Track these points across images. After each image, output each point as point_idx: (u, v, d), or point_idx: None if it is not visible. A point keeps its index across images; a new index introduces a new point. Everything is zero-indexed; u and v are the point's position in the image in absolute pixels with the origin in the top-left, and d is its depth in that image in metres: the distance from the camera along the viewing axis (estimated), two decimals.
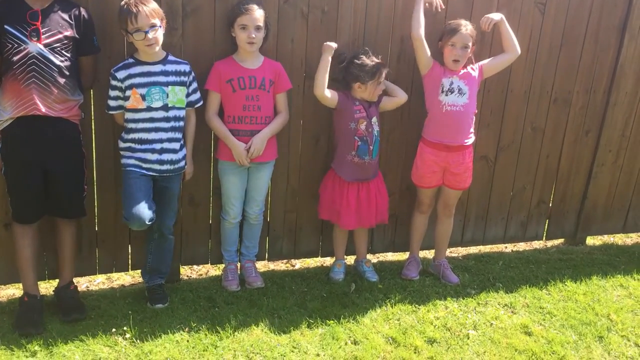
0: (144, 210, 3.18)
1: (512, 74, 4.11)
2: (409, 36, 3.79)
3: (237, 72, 3.41)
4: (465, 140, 3.78)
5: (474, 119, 3.84)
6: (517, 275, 4.16)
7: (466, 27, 3.63)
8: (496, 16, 3.74)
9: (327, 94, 3.58)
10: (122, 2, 3.08)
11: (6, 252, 3.36)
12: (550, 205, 4.64)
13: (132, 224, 3.22)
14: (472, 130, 3.82)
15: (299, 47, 3.64)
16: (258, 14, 3.32)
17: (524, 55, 4.07)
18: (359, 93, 3.65)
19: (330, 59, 3.56)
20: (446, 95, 3.69)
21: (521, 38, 4.01)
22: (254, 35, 3.32)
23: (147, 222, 3.20)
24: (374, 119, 3.69)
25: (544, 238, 4.75)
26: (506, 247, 4.72)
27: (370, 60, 3.58)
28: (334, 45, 3.55)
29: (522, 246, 4.75)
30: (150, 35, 3.06)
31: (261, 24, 3.34)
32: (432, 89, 3.73)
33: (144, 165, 3.24)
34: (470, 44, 3.64)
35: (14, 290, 3.56)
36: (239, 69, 3.42)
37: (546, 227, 4.71)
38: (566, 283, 4.08)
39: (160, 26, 3.11)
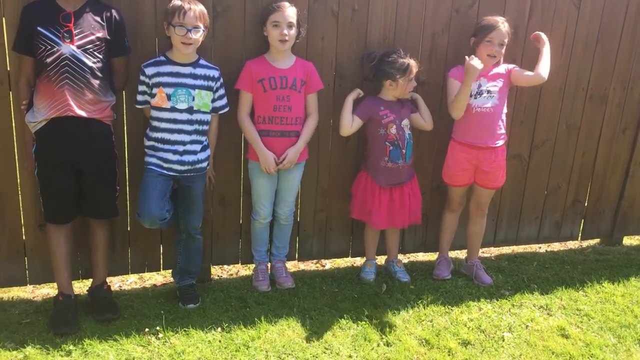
0: (155, 209, 3.19)
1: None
2: (440, 33, 3.75)
3: (269, 72, 3.40)
4: (496, 142, 3.71)
5: (506, 119, 3.76)
6: (552, 276, 4.07)
7: (504, 24, 3.58)
8: (545, 38, 3.70)
9: (353, 129, 3.61)
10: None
11: (41, 253, 3.40)
12: (586, 204, 4.54)
13: (144, 222, 3.24)
14: (503, 131, 3.74)
15: (329, 46, 3.62)
16: (290, 11, 3.31)
17: (559, 51, 4.00)
18: (390, 91, 3.61)
19: (352, 99, 3.58)
20: (475, 98, 3.62)
21: (556, 33, 3.95)
22: (286, 32, 3.30)
23: (157, 221, 3.21)
24: (405, 122, 3.65)
25: (579, 238, 4.65)
26: (540, 248, 4.63)
27: (400, 58, 3.54)
28: (359, 91, 3.59)
29: (556, 246, 4.66)
30: (191, 34, 3.08)
31: (294, 21, 3.33)
32: None
33: (165, 165, 3.25)
34: (506, 42, 3.59)
35: (49, 290, 3.60)
36: (271, 69, 3.41)
37: (582, 226, 4.61)
38: (603, 284, 3.98)
39: (203, 30, 3.13)
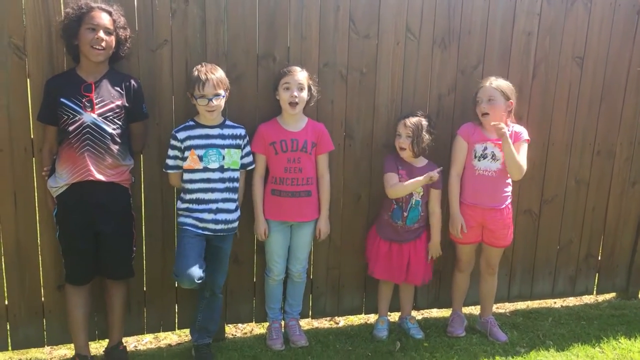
0: (195, 270, 3.25)
1: (553, 126, 4.11)
2: (446, 94, 3.87)
3: (280, 135, 3.52)
4: (500, 205, 3.74)
5: (511, 183, 3.79)
6: (568, 333, 4.04)
7: (491, 82, 3.64)
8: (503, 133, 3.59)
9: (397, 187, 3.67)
10: (194, 68, 3.28)
11: (59, 314, 3.47)
12: (599, 258, 4.53)
13: (182, 282, 3.29)
14: (508, 193, 3.78)
15: (339, 108, 3.74)
16: (301, 75, 3.45)
17: (564, 107, 4.11)
18: (402, 154, 3.70)
19: (421, 184, 3.64)
20: (479, 160, 3.69)
21: (560, 92, 4.07)
22: (296, 94, 3.43)
23: (196, 281, 3.27)
24: (418, 188, 3.70)
25: (594, 292, 4.62)
26: (555, 302, 4.60)
27: (408, 121, 3.65)
28: (435, 176, 3.61)
29: (572, 301, 4.63)
30: (213, 102, 3.24)
31: (304, 84, 3.46)
32: (467, 153, 3.73)
33: (200, 225, 3.34)
34: (495, 96, 3.60)
35: (66, 351, 3.65)
36: (282, 132, 3.53)
37: (596, 281, 4.59)
38: (620, 340, 3.93)
39: (224, 96, 3.28)
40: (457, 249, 3.93)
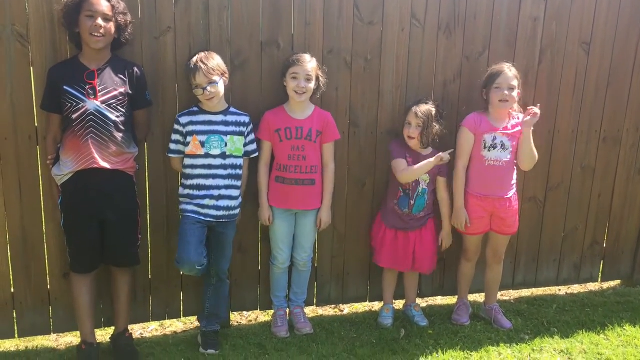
0: (195, 256, 3.27)
1: (559, 114, 4.08)
2: (452, 80, 3.85)
3: (285, 123, 3.51)
4: (507, 194, 3.74)
5: (516, 171, 3.79)
6: (572, 320, 4.03)
7: (510, 69, 3.64)
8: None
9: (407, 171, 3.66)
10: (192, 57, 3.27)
11: (65, 301, 3.49)
12: (605, 245, 4.52)
13: (183, 268, 3.32)
14: (514, 182, 3.78)
15: (344, 95, 3.72)
16: (310, 65, 3.43)
17: (570, 94, 4.07)
18: (410, 143, 3.68)
19: (432, 165, 3.60)
20: (489, 150, 3.67)
21: (566, 78, 4.03)
22: (303, 85, 3.42)
23: (197, 267, 3.28)
24: (424, 176, 3.68)
25: (599, 280, 4.61)
26: (560, 290, 4.60)
27: (414, 105, 3.64)
28: (446, 157, 3.58)
29: (576, 288, 4.62)
30: (208, 90, 3.22)
31: (312, 75, 3.44)
32: (475, 143, 3.71)
33: (202, 211, 3.34)
34: (515, 85, 3.61)
35: (72, 338, 3.67)
36: (287, 119, 3.52)
37: (601, 268, 4.58)
38: (625, 327, 3.93)
39: (218, 82, 3.25)
40: (465, 239, 3.92)
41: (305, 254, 3.74)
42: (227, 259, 3.53)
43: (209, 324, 3.56)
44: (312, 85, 3.46)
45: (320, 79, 3.51)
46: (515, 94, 3.63)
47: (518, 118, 3.73)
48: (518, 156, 3.71)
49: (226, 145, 3.35)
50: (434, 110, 3.64)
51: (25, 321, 3.50)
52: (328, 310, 4.20)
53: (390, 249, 3.80)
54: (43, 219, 3.39)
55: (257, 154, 3.53)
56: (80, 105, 3.07)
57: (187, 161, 3.36)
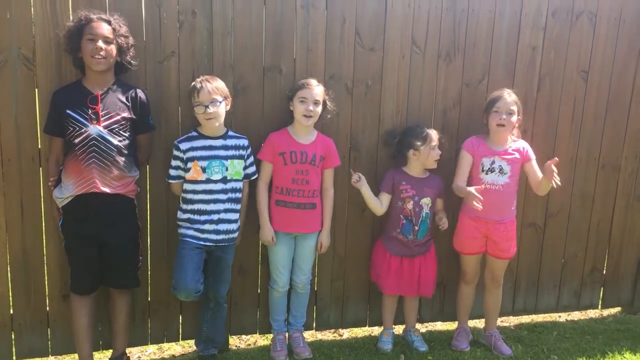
0: (192, 282, 3.26)
1: (558, 140, 4.12)
2: (451, 107, 3.89)
3: (290, 146, 3.53)
4: (506, 218, 3.75)
5: (516, 197, 3.80)
6: (572, 347, 4.02)
7: (510, 94, 3.68)
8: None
9: (385, 206, 3.74)
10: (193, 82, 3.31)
11: (63, 323, 3.48)
12: (604, 272, 4.51)
13: (179, 294, 3.30)
14: (513, 207, 3.79)
15: (345, 120, 3.76)
16: (318, 89, 3.48)
17: (569, 122, 4.11)
18: (415, 162, 3.72)
19: (366, 190, 3.70)
20: (486, 174, 3.69)
21: (565, 105, 4.07)
22: (311, 109, 3.45)
23: (193, 294, 3.28)
24: (425, 200, 3.72)
25: (599, 307, 4.60)
26: (560, 317, 4.58)
27: (419, 127, 3.70)
28: (360, 180, 3.68)
29: (577, 315, 4.61)
30: (210, 109, 3.24)
31: (320, 99, 3.48)
32: (473, 166, 3.74)
33: (201, 236, 3.35)
34: (514, 110, 3.64)
35: None
36: (293, 143, 3.55)
37: (601, 295, 4.57)
38: (625, 355, 3.91)
39: (220, 102, 3.28)
40: (462, 260, 3.93)
41: (304, 277, 3.74)
42: (225, 283, 3.53)
43: (205, 348, 3.55)
44: (319, 109, 3.50)
45: (327, 103, 3.55)
46: (514, 119, 3.65)
47: (517, 149, 3.74)
48: (536, 187, 3.72)
49: (227, 169, 3.36)
50: None
51: (23, 343, 3.49)
52: (327, 335, 4.18)
53: (396, 276, 3.79)
54: (44, 241, 3.40)
55: (256, 176, 3.55)
56: (82, 130, 3.10)
57: (188, 186, 3.37)
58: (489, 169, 3.69)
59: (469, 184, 3.74)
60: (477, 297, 4.04)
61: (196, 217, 3.35)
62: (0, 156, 3.25)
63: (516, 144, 3.76)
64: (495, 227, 3.74)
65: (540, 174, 3.70)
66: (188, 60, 3.44)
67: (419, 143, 3.67)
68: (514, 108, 3.65)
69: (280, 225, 3.60)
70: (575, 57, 4.06)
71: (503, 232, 3.76)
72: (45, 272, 3.44)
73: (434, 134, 3.70)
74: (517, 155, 3.73)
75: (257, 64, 3.56)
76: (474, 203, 3.49)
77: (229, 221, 3.39)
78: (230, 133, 3.44)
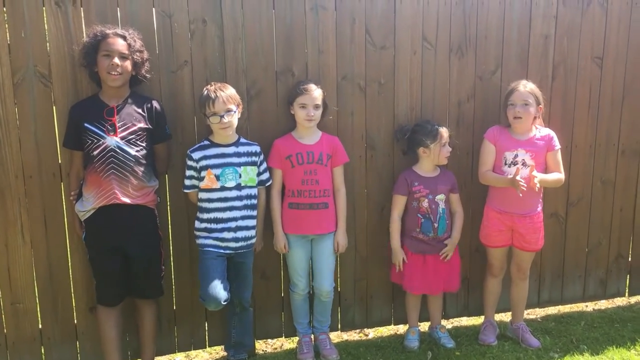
0: (220, 291, 3.27)
1: (575, 128, 4.09)
2: (466, 100, 3.87)
3: (296, 149, 3.54)
4: (532, 212, 3.72)
5: (542, 189, 3.75)
6: (601, 336, 3.97)
7: (525, 85, 3.65)
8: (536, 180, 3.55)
9: (400, 210, 3.77)
10: (204, 89, 3.31)
11: (91, 335, 3.51)
12: (630, 259, 4.46)
13: (209, 305, 3.31)
14: (539, 200, 3.75)
15: (359, 120, 3.76)
16: (317, 93, 3.49)
17: (586, 109, 4.07)
18: (426, 159, 3.71)
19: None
20: (509, 167, 3.66)
21: (581, 93, 4.04)
22: (312, 114, 3.47)
23: (222, 303, 3.28)
24: (440, 196, 3.71)
25: (626, 294, 4.55)
26: (587, 306, 4.53)
27: (429, 125, 3.68)
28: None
29: (603, 304, 4.55)
30: (225, 119, 3.26)
31: (319, 102, 3.50)
32: (496, 159, 3.71)
33: (222, 245, 3.36)
34: (530, 101, 3.61)
35: None
36: (297, 145, 3.56)
37: (628, 282, 4.51)
38: None
39: (235, 111, 3.30)
40: (488, 253, 3.90)
41: (327, 282, 3.68)
42: (248, 287, 3.54)
43: (236, 353, 3.56)
44: (320, 112, 3.52)
45: (327, 104, 3.57)
46: (531, 109, 3.62)
47: (541, 138, 3.71)
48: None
49: (240, 176, 3.37)
50: None
51: (53, 357, 3.52)
52: (353, 335, 4.17)
53: (421, 275, 3.77)
54: (68, 255, 3.44)
55: (270, 182, 3.56)
56: (100, 142, 3.14)
57: (203, 195, 3.38)
58: (512, 162, 3.66)
59: None
60: (503, 290, 4.01)
61: (213, 225, 3.36)
62: (22, 173, 3.29)
63: (541, 132, 3.72)
64: (520, 220, 3.71)
65: (561, 167, 3.69)
66: (201, 69, 3.46)
67: (429, 141, 3.66)
68: (530, 99, 3.61)
69: (294, 227, 3.61)
70: (589, 43, 4.03)
71: (529, 225, 3.72)
72: (72, 285, 3.48)
73: (444, 131, 3.68)
74: (541, 143, 3.69)
75: (269, 69, 3.57)
76: (517, 188, 3.45)
77: (247, 228, 3.40)
78: (242, 140, 3.45)
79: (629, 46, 4.10)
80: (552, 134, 3.74)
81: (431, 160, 3.71)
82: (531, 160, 3.64)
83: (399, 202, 3.75)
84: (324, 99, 3.55)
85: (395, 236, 3.76)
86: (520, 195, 3.48)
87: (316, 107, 3.49)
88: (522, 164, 3.64)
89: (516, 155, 3.66)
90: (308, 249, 3.68)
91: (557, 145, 3.73)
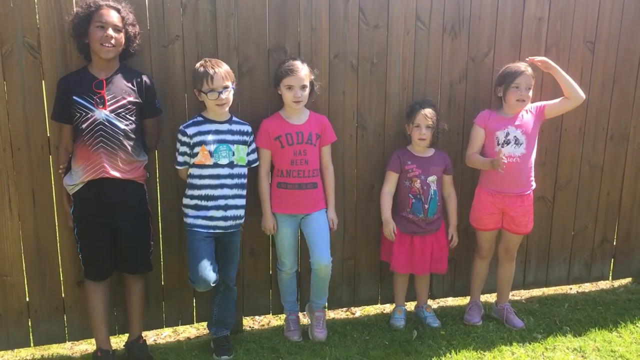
0: (209, 273, 3.28)
1: (566, 112, 4.08)
2: (457, 81, 3.87)
3: (285, 129, 3.52)
4: (525, 191, 3.75)
5: (533, 167, 3.78)
6: (584, 318, 4.04)
7: (527, 68, 3.65)
8: (549, 61, 3.72)
9: (392, 187, 3.77)
10: (197, 64, 3.28)
11: (79, 309, 3.51)
12: (615, 243, 4.52)
13: (198, 286, 3.32)
14: (532, 178, 3.78)
15: (350, 99, 3.75)
16: (303, 73, 3.43)
17: None
18: (420, 144, 3.71)
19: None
20: (502, 147, 3.67)
21: (572, 76, 3.99)
22: (299, 95, 3.43)
23: (211, 285, 3.30)
24: (432, 178, 3.72)
25: (610, 278, 4.61)
26: (571, 289, 4.60)
27: (417, 105, 3.70)
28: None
29: (587, 287, 4.62)
30: (223, 95, 3.24)
31: (306, 83, 3.45)
32: (487, 140, 3.73)
33: (211, 224, 3.35)
34: (532, 84, 3.64)
35: (87, 346, 3.70)
36: (286, 126, 3.53)
37: (612, 266, 4.57)
38: (637, 324, 3.93)
39: (232, 88, 3.28)
40: (478, 236, 3.93)
41: (324, 256, 3.60)
42: (234, 265, 3.55)
43: (218, 331, 3.58)
44: (307, 92, 3.48)
45: (315, 83, 3.53)
46: (531, 93, 3.66)
47: (528, 112, 3.74)
48: (567, 93, 3.71)
49: (233, 154, 3.36)
50: (436, 111, 3.70)
51: (40, 330, 3.52)
52: (340, 314, 4.21)
53: (408, 255, 3.79)
54: (57, 228, 3.42)
55: (257, 164, 3.54)
56: (89, 115, 3.11)
57: (194, 171, 3.36)
58: (504, 141, 3.67)
59: (485, 156, 3.73)
60: (489, 270, 4.05)
61: (203, 202, 3.35)
62: (10, 146, 3.26)
63: (526, 109, 3.75)
64: (512, 202, 3.73)
65: (563, 100, 3.74)
66: (192, 44, 3.43)
67: (407, 120, 3.69)
68: (533, 83, 3.65)
69: (282, 206, 3.60)
70: (582, 27, 4.03)
71: (520, 207, 3.75)
72: (59, 259, 3.46)
73: (421, 113, 3.64)
74: (529, 116, 3.72)
75: (262, 45, 3.55)
76: (499, 167, 3.46)
77: (236, 207, 3.40)
78: (235, 119, 3.44)
79: (621, 31, 4.11)
80: (535, 103, 3.78)
81: (416, 139, 3.71)
82: (522, 135, 3.66)
83: (391, 179, 3.75)
84: (311, 79, 3.50)
85: (386, 207, 3.76)
86: (501, 172, 3.49)
87: (303, 87, 3.44)
88: (515, 142, 3.66)
89: (507, 134, 3.67)
90: (296, 228, 3.68)
91: (542, 102, 3.79)
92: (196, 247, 3.33)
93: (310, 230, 3.66)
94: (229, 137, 3.36)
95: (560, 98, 3.76)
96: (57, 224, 3.42)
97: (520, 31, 3.92)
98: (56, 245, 3.44)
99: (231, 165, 3.36)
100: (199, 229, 3.35)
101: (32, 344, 3.54)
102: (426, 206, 3.72)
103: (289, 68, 3.42)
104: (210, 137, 3.32)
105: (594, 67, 4.10)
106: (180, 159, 3.38)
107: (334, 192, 3.70)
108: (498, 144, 3.68)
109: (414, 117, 3.67)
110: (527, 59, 3.73)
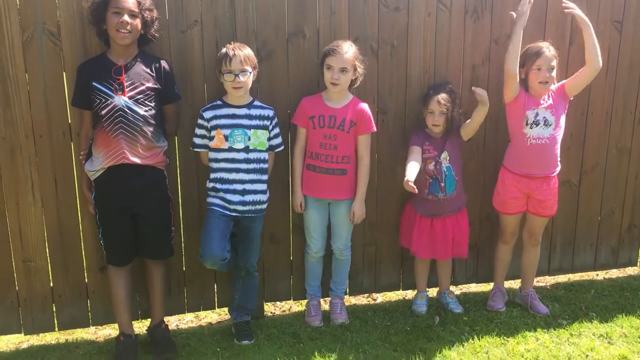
0: (216, 249, 3.29)
1: (592, 95, 4.00)
2: (480, 64, 3.79)
3: (319, 110, 3.50)
4: (552, 172, 3.69)
5: (560, 149, 3.70)
6: (611, 304, 3.96)
7: (548, 48, 3.58)
8: (582, 15, 3.63)
9: (419, 161, 3.59)
10: (223, 47, 3.27)
11: (102, 295, 3.55)
12: None
13: (206, 262, 3.34)
14: (559, 159, 3.71)
15: (371, 82, 3.70)
16: (348, 55, 3.38)
17: (603, 75, 3.97)
18: (430, 123, 3.66)
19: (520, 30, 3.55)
20: (531, 127, 3.59)
21: None
22: (336, 77, 3.39)
23: (219, 262, 3.31)
24: (444, 155, 3.66)
25: (638, 264, 4.51)
26: (597, 275, 4.51)
27: (431, 90, 3.64)
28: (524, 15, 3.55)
29: (614, 273, 4.53)
30: (240, 78, 3.23)
31: (347, 66, 3.38)
32: (516, 119, 3.65)
33: (229, 207, 3.36)
34: (555, 65, 3.56)
35: (110, 331, 3.74)
36: (322, 107, 3.51)
37: None
38: None
39: (250, 73, 3.27)
40: (502, 219, 3.87)
41: (341, 244, 3.72)
42: (255, 252, 3.55)
43: (238, 316, 3.59)
44: (348, 76, 3.42)
45: (358, 69, 3.46)
46: (554, 73, 3.58)
47: (554, 93, 3.66)
48: (588, 54, 3.64)
49: (249, 139, 3.35)
50: (452, 95, 3.62)
51: (64, 314, 3.57)
52: (361, 300, 4.19)
53: (428, 239, 3.76)
54: (79, 214, 3.46)
55: (281, 148, 3.53)
56: (108, 101, 3.12)
57: (212, 155, 3.39)
58: (533, 122, 3.60)
59: (512, 140, 3.70)
60: (514, 256, 3.99)
61: (219, 185, 3.36)
62: (32, 132, 3.29)
63: (550, 90, 3.67)
64: (538, 186, 3.67)
65: (580, 72, 3.68)
66: (211, 29, 3.41)
67: (422, 104, 3.65)
68: (555, 63, 3.56)
69: (310, 189, 3.60)
70: (608, 6, 3.93)
71: (547, 190, 3.68)
72: (82, 244, 3.50)
73: (434, 99, 3.57)
74: (556, 96, 3.65)
75: (281, 30, 3.52)
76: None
77: (256, 192, 3.40)
78: (256, 103, 3.42)
79: None
80: (556, 84, 3.70)
81: (431, 122, 3.66)
82: (552, 116, 3.59)
83: (415, 152, 3.64)
84: (356, 64, 3.42)
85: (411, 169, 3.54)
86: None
87: (343, 70, 3.39)
88: (544, 124, 3.59)
89: (537, 114, 3.60)
90: (324, 212, 3.67)
91: (565, 80, 3.72)
92: (209, 224, 3.35)
93: (334, 218, 3.68)
94: (245, 121, 3.35)
95: (576, 73, 3.68)
96: (79, 210, 3.45)
97: (545, 11, 3.82)
98: (79, 231, 3.48)
99: (247, 150, 3.35)
100: (215, 208, 3.37)
101: (56, 328, 3.59)
102: (442, 184, 3.67)
103: (333, 47, 3.39)
104: (225, 121, 3.33)
105: (621, 48, 3.99)
106: (197, 141, 3.40)
107: (365, 185, 3.64)
108: (527, 124, 3.60)
109: (427, 103, 3.62)
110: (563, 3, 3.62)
